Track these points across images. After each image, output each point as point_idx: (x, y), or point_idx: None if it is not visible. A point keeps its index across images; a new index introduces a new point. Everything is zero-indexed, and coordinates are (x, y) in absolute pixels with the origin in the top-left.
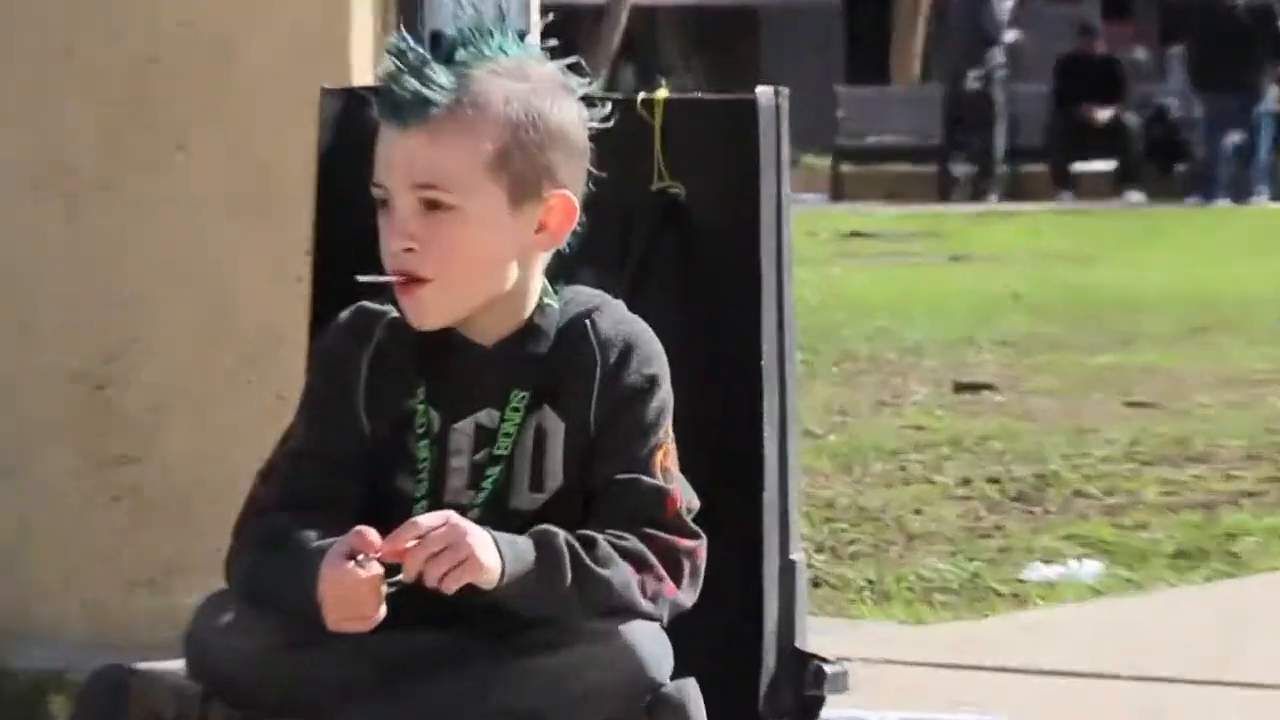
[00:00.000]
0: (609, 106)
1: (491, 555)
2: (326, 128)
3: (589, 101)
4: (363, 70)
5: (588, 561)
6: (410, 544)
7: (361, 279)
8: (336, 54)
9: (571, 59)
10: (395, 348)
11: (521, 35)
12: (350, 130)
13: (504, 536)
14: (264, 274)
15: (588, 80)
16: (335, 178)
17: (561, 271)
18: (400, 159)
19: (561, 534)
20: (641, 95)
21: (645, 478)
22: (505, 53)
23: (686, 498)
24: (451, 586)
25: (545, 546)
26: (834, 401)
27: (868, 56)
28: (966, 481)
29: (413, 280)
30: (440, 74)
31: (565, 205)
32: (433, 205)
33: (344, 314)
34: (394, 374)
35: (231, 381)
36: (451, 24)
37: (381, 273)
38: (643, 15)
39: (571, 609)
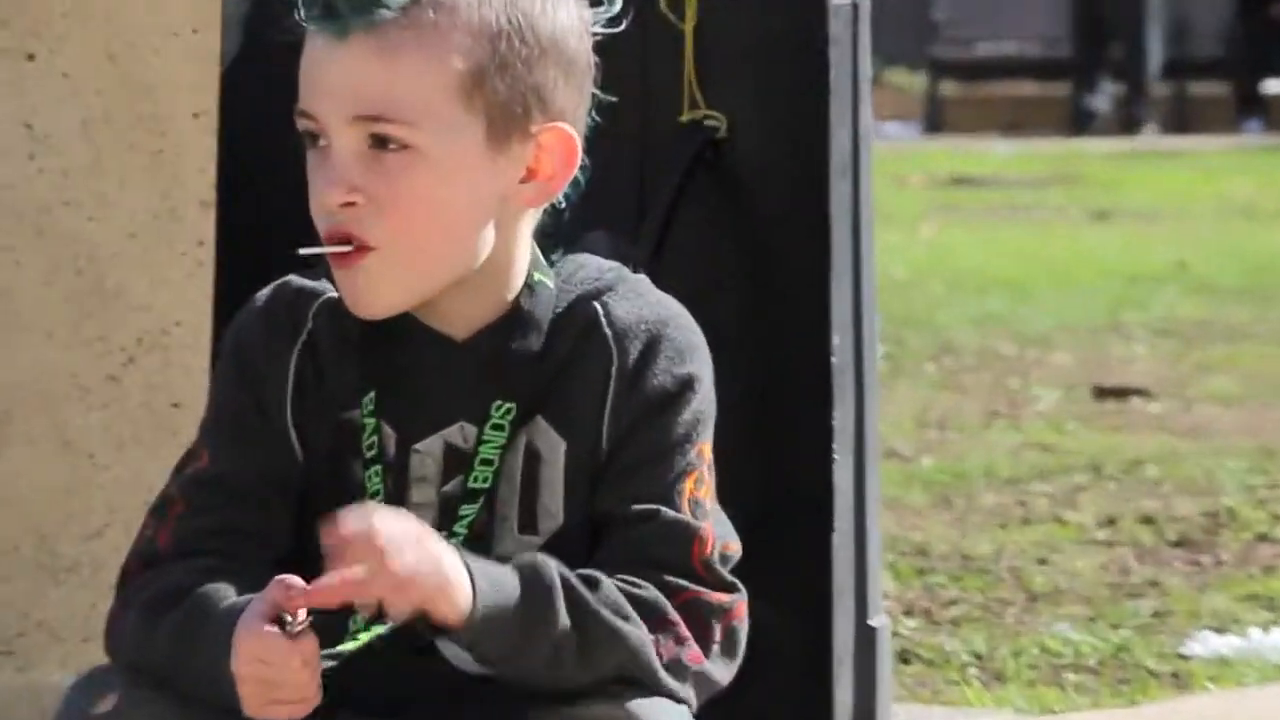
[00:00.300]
0: (619, 2)
1: (457, 573)
2: (230, 32)
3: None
4: None
5: (591, 602)
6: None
7: (304, 251)
8: None
9: None
10: (333, 341)
11: None
12: (264, 35)
13: (477, 559)
14: (147, 236)
15: None
16: (243, 104)
17: (559, 234)
18: (337, 80)
19: (554, 563)
20: None
21: (667, 510)
22: None
23: (722, 538)
24: (398, 610)
25: (533, 578)
26: (929, 411)
27: None
28: (1110, 521)
29: (354, 248)
30: None
31: (563, 143)
32: (381, 143)
33: (262, 294)
34: (332, 377)
35: (105, 386)
36: None
37: (314, 240)
38: None
39: (566, 669)
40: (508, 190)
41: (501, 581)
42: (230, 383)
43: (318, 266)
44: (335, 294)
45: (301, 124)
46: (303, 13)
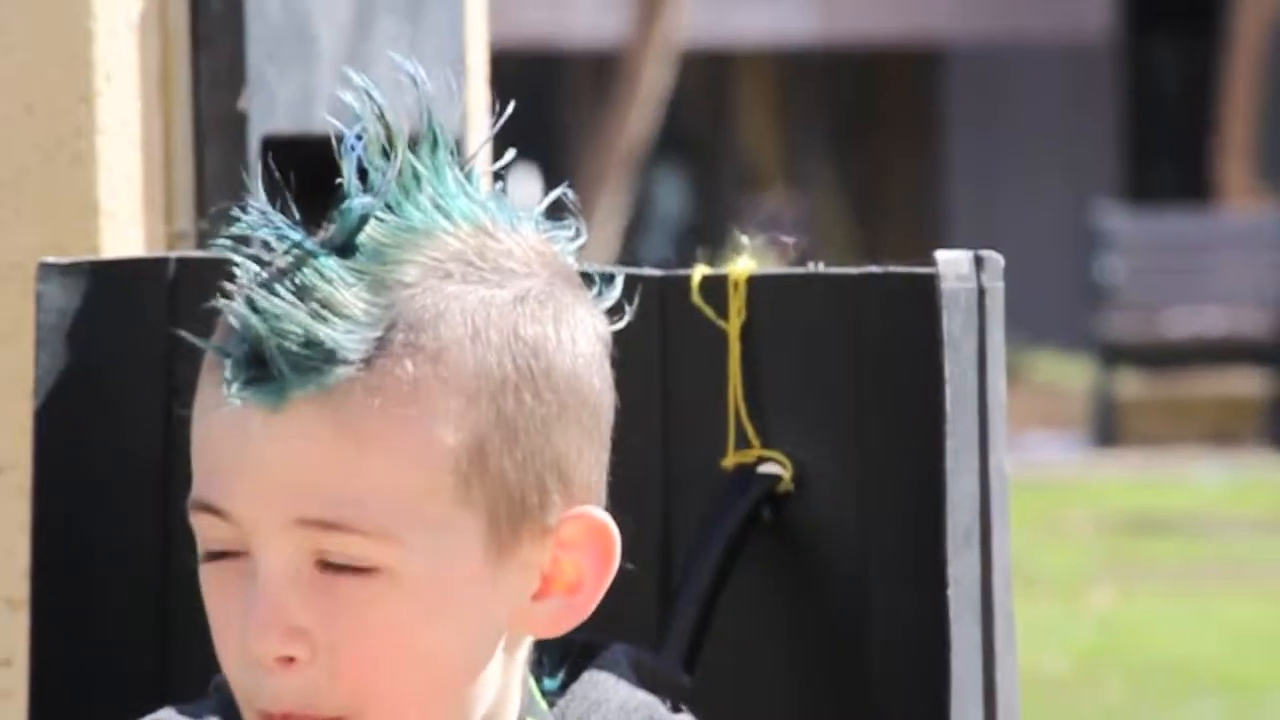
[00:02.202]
0: (618, 286)
1: None
2: (48, 340)
3: (606, 303)
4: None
5: None
6: None
7: None
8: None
9: (555, 192)
10: None
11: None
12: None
13: None
14: None
15: (580, 239)
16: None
17: (557, 647)
18: (268, 467)
19: None
20: (702, 269)
21: None
22: (463, 213)
23: None
24: None
25: None
26: None
27: (1173, 153)
28: None
29: None
30: (345, 289)
31: (594, 536)
32: (336, 564)
33: None
34: None
35: None
36: (342, 114)
37: (202, 683)
38: (708, 66)
39: None
40: (515, 615)
41: None
42: None
43: (206, 699)
44: None
45: (202, 523)
46: (209, 365)
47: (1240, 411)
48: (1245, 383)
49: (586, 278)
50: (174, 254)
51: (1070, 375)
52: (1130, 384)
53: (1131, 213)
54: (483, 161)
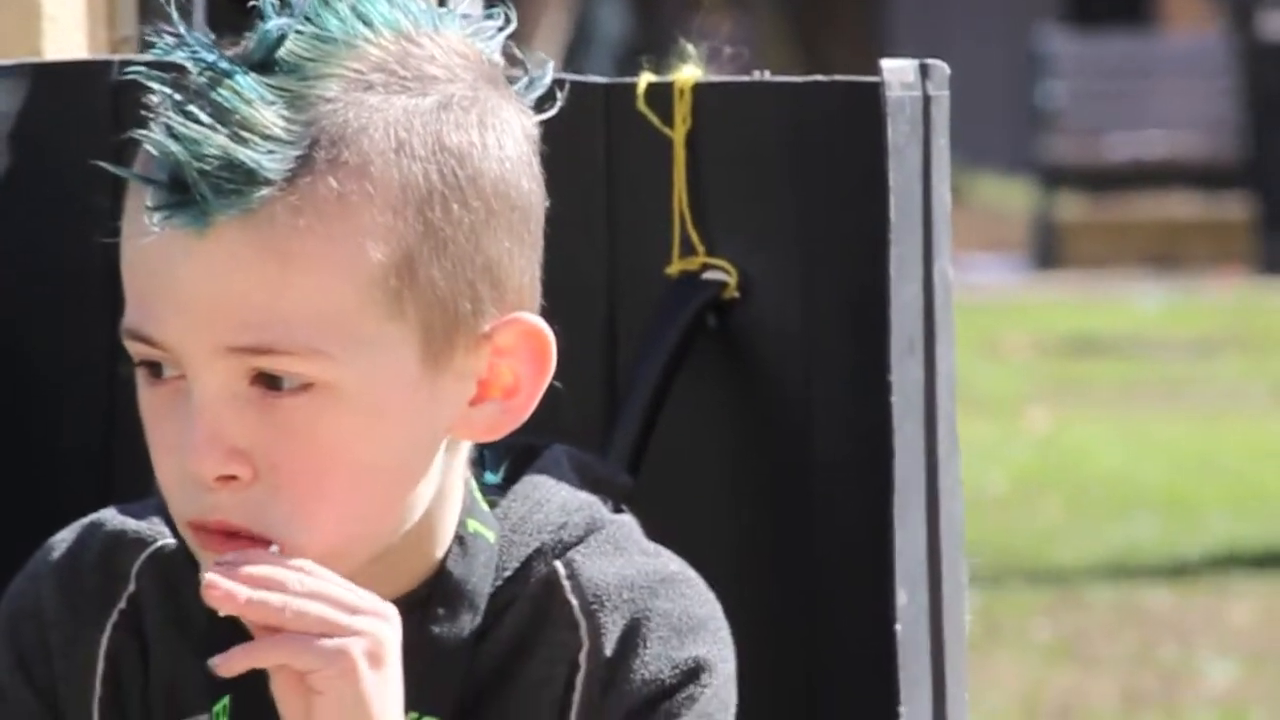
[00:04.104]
0: (548, 75)
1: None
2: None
3: (536, 94)
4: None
5: None
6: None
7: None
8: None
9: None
10: (169, 614)
11: None
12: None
13: None
14: None
15: (508, 27)
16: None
17: (500, 448)
18: (196, 293)
19: None
20: (648, 76)
21: None
22: (383, 19)
23: None
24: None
25: None
26: (1043, 695)
27: None
28: None
29: (238, 540)
30: (264, 107)
31: (528, 340)
32: (271, 382)
33: (58, 541)
34: (165, 667)
35: None
36: None
37: (143, 488)
38: None
39: None
40: (454, 421)
41: None
42: (5, 674)
43: (149, 500)
44: (169, 540)
45: (135, 349)
46: (131, 195)
47: (1182, 236)
48: (1184, 206)
49: (520, 65)
50: (117, 56)
51: (1013, 198)
52: (1071, 207)
53: (1073, 36)
54: None
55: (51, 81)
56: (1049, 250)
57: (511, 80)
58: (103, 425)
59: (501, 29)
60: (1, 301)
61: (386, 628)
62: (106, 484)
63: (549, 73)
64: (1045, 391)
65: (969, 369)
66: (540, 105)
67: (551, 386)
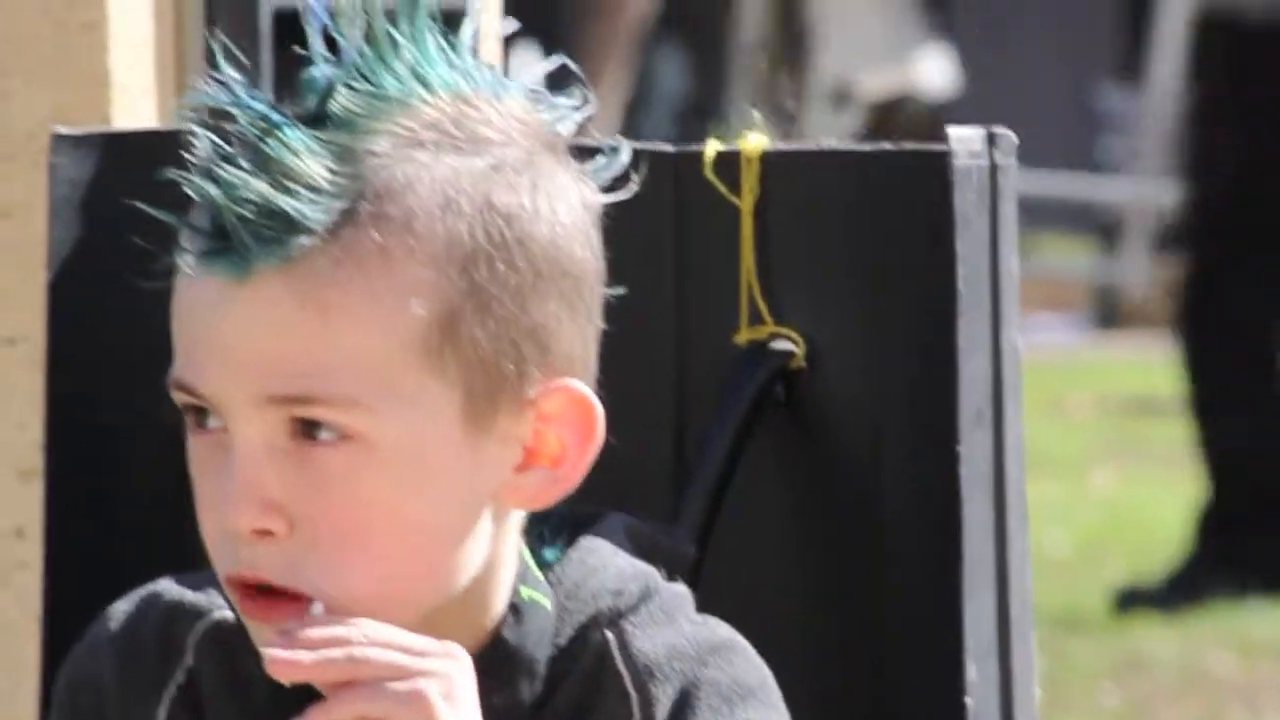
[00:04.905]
0: (626, 152)
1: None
2: (61, 212)
3: (596, 160)
4: (142, 105)
5: None
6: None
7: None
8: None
9: (553, 63)
10: (226, 686)
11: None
12: (125, 213)
13: None
14: None
15: (586, 108)
16: (84, 313)
17: (557, 514)
18: (237, 343)
19: None
20: (715, 144)
21: None
22: (443, 81)
23: None
24: None
25: None
26: None
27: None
28: None
29: (276, 598)
30: (310, 158)
31: (575, 408)
32: (309, 430)
33: (116, 612)
34: None
35: None
36: None
37: (196, 560)
38: None
39: None
40: (499, 487)
41: None
42: None
43: (209, 570)
44: (225, 611)
45: (180, 398)
46: (182, 245)
47: None
48: None
49: (595, 151)
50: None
51: (1077, 256)
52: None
53: (1130, 92)
54: (486, 33)
55: (122, 150)
56: (1111, 312)
57: (583, 158)
58: (173, 488)
59: (578, 108)
60: (78, 374)
61: (458, 667)
62: (178, 546)
63: (625, 153)
64: (1108, 452)
65: (1032, 431)
66: (615, 185)
67: (620, 456)
